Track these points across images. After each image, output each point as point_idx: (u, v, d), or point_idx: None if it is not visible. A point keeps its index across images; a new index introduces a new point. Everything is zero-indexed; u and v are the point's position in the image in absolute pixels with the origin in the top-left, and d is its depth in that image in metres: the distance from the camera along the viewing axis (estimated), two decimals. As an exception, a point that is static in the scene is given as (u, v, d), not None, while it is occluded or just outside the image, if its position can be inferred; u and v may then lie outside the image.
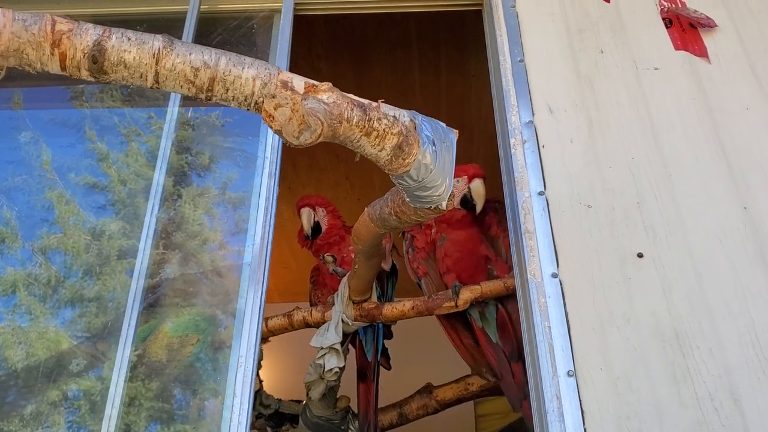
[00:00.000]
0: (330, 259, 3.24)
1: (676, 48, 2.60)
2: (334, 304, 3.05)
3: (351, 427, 3.33)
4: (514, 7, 2.72)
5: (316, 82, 1.75)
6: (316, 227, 3.37)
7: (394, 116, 1.82)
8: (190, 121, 2.69)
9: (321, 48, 4.06)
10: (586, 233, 2.18)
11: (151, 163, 2.63)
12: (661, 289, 2.05)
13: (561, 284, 2.08)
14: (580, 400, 1.87)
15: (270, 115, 1.43)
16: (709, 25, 2.63)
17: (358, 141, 1.73)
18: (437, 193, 1.91)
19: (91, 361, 2.30)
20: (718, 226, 2.17)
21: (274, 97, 1.43)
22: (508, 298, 2.94)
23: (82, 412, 2.19)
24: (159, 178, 2.39)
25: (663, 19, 2.69)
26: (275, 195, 2.38)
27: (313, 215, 3.35)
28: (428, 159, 1.84)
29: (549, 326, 1.99)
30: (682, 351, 1.94)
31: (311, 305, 3.50)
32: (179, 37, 2.66)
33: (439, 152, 1.89)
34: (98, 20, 2.86)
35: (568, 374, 1.92)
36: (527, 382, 2.88)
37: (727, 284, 2.06)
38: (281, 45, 2.67)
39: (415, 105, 4.30)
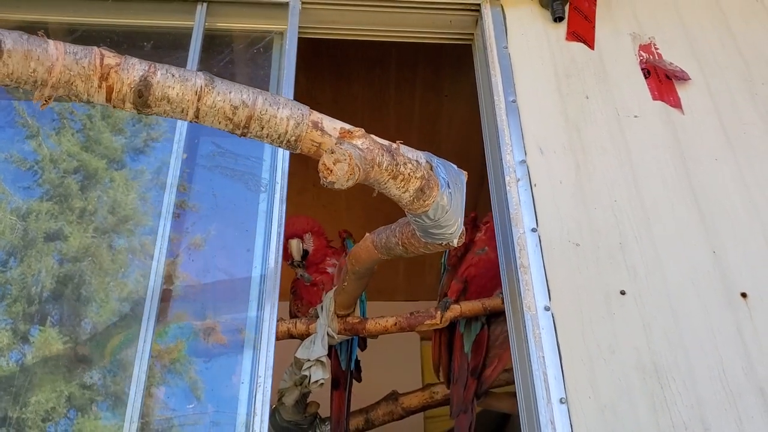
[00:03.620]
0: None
1: (654, 98, 2.79)
2: (316, 317, 3.15)
3: (318, 431, 3.47)
4: (507, 48, 2.88)
5: (350, 127, 1.87)
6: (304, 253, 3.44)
7: (416, 160, 1.96)
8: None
9: (301, 61, 4.12)
10: (575, 270, 2.36)
11: (84, 144, 2.64)
12: (641, 325, 2.25)
13: (553, 317, 2.25)
14: (571, 426, 2.04)
15: (328, 169, 1.55)
16: (683, 78, 2.84)
17: (385, 184, 1.86)
18: (450, 232, 2.06)
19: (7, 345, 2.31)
20: (691, 269, 2.38)
21: (333, 153, 1.55)
22: (496, 324, 3.13)
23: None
24: (169, 198, 2.45)
25: (642, 69, 2.88)
26: (283, 220, 2.48)
27: (301, 246, 3.40)
28: (445, 201, 1.99)
29: (543, 356, 2.16)
30: (660, 383, 2.14)
31: (291, 314, 3.61)
32: (186, 54, 2.72)
33: (453, 194, 2.04)
34: (105, 31, 2.90)
35: (561, 401, 2.09)
36: (473, 400, 3.12)
37: (699, 323, 2.27)
38: (288, 68, 2.76)
39: (389, 120, 4.46)
